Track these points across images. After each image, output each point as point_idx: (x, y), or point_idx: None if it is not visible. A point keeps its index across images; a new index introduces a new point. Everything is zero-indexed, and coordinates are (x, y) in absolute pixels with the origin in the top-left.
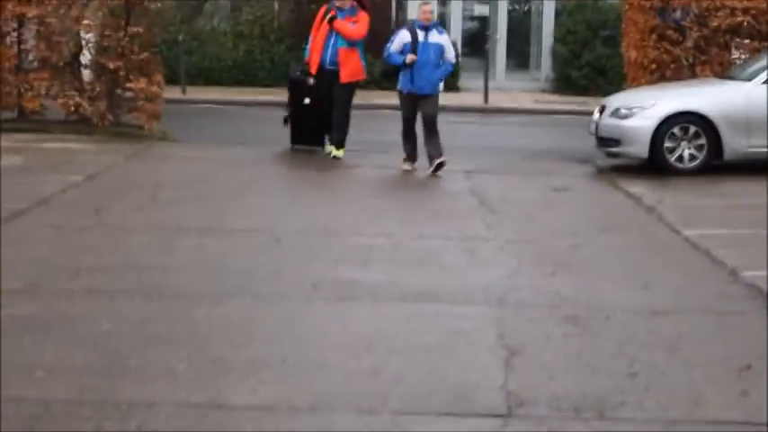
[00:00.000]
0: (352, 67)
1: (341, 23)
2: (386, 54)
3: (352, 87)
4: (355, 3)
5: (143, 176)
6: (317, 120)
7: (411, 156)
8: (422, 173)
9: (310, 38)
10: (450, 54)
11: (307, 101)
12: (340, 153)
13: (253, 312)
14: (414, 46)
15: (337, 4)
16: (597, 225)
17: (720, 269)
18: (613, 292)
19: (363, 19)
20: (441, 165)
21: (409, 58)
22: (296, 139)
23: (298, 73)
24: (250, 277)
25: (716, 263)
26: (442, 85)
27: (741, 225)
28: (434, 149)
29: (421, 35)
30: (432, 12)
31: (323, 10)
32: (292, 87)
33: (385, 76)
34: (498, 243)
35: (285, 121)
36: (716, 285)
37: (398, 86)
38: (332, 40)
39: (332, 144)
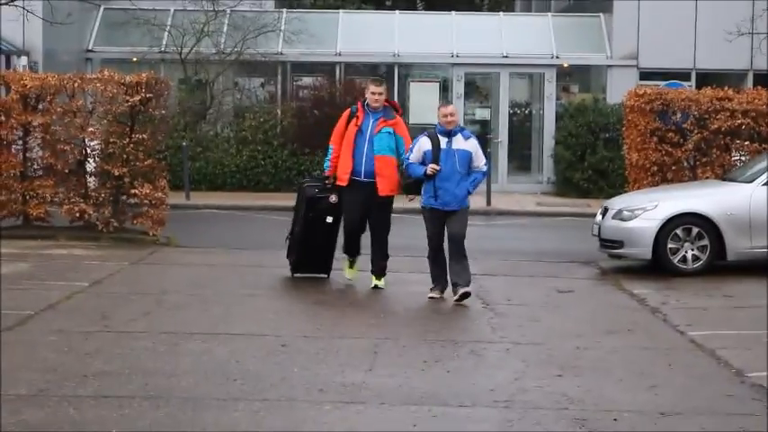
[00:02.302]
0: (392, 177)
1: (402, 127)
2: (404, 165)
3: (392, 200)
4: (388, 104)
5: (148, 282)
6: (330, 244)
7: (439, 281)
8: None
9: (331, 148)
10: (480, 161)
11: (329, 219)
12: (382, 282)
13: (260, 417)
14: (435, 154)
15: (373, 104)
16: (602, 327)
17: (726, 370)
18: (620, 393)
19: (402, 125)
20: (466, 295)
21: (430, 168)
22: (300, 266)
23: (316, 190)
24: (257, 381)
25: (721, 364)
26: (471, 198)
27: (745, 326)
28: (460, 276)
29: (443, 142)
30: (452, 114)
31: (347, 114)
32: (309, 207)
33: (408, 190)
34: (504, 345)
35: (289, 251)
36: (722, 386)
37: (421, 202)
38: (363, 148)
39: (374, 272)
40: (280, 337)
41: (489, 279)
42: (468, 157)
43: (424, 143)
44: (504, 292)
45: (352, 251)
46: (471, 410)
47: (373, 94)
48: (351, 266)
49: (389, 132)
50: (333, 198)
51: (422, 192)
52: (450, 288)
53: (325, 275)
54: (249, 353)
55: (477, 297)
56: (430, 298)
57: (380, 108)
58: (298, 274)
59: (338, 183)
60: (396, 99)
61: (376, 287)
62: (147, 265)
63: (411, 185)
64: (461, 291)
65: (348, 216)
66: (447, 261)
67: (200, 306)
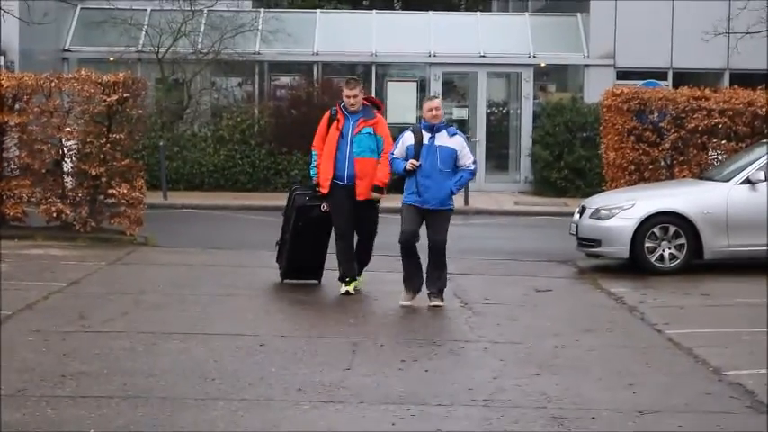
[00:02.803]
0: (373, 179)
1: (382, 126)
2: (389, 160)
3: (377, 202)
4: (368, 102)
5: (126, 282)
6: (321, 251)
7: (412, 283)
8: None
9: (314, 153)
10: (467, 159)
11: (324, 207)
12: (352, 287)
13: (238, 416)
14: (417, 150)
15: (350, 107)
16: (580, 325)
17: (704, 368)
18: (598, 392)
19: (382, 123)
20: (438, 306)
21: (410, 164)
22: (290, 273)
23: (306, 198)
24: (235, 381)
25: (699, 362)
26: (457, 198)
27: (723, 324)
28: (435, 285)
29: (426, 137)
30: (437, 108)
31: (327, 116)
32: (299, 216)
33: (396, 188)
34: (482, 344)
35: (279, 256)
36: (700, 385)
37: (402, 199)
38: (344, 151)
39: (348, 275)
40: (258, 337)
41: (467, 278)
42: (451, 154)
43: (407, 138)
44: (482, 290)
45: (350, 268)
46: (450, 409)
47: (348, 97)
48: (348, 284)
49: (369, 133)
50: (324, 207)
51: (404, 188)
52: (424, 292)
53: (317, 281)
54: (227, 352)
55: (455, 296)
56: (402, 306)
57: (359, 109)
58: (288, 281)
59: (320, 190)
60: None
61: (347, 293)
62: (125, 265)
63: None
64: (433, 303)
65: (336, 221)
66: (424, 265)
67: (179, 306)
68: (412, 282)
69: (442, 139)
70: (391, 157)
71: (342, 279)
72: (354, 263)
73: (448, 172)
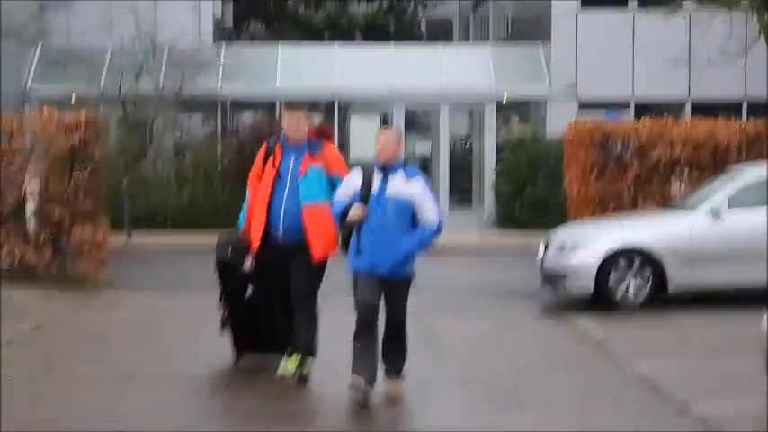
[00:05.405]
0: (326, 234)
1: (335, 161)
2: (332, 202)
3: (324, 267)
4: (316, 133)
5: (90, 324)
6: (270, 316)
7: (363, 367)
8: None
9: (247, 194)
10: (428, 212)
11: (247, 265)
12: (307, 369)
13: None
14: (364, 195)
15: (292, 135)
16: (546, 361)
17: (670, 402)
18: (564, 427)
19: (335, 157)
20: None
21: (352, 212)
22: (242, 346)
23: (229, 252)
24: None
25: (665, 396)
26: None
27: (689, 358)
28: (394, 364)
29: (377, 180)
30: (388, 141)
31: (263, 150)
32: (222, 276)
33: (345, 243)
34: (449, 382)
35: (223, 323)
36: (667, 419)
37: (347, 261)
38: (285, 195)
39: (292, 354)
40: (222, 379)
41: (432, 314)
42: (406, 205)
43: (354, 178)
44: (448, 327)
45: (286, 340)
46: None
47: (289, 123)
48: (290, 355)
49: (317, 172)
50: (248, 264)
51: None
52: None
53: (281, 354)
54: (193, 393)
55: (421, 334)
56: (350, 387)
57: (303, 140)
58: (244, 360)
59: (248, 244)
60: (336, 135)
61: (301, 378)
62: (89, 307)
63: (348, 237)
64: (392, 389)
65: (267, 286)
66: (381, 344)
67: (143, 348)
68: (365, 366)
69: (397, 184)
70: (333, 199)
71: (291, 353)
72: (314, 339)
73: (403, 228)
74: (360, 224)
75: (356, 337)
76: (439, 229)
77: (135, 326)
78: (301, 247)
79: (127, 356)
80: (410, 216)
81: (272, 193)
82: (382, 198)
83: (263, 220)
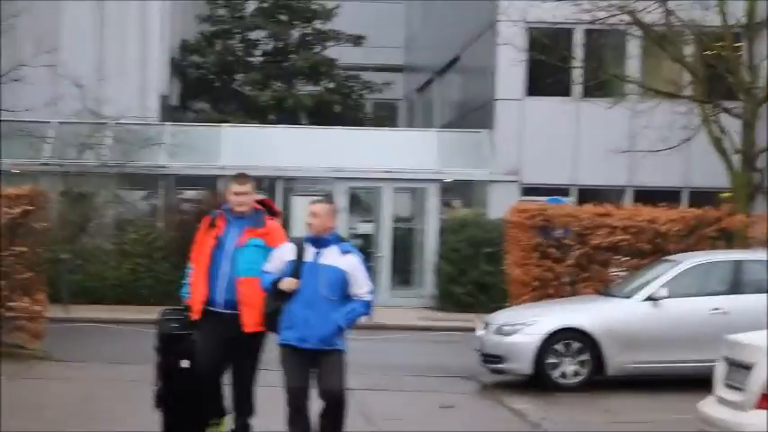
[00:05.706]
0: (260, 306)
1: (277, 237)
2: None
3: (262, 339)
4: (261, 207)
5: (26, 398)
6: (200, 395)
7: None
8: None
9: (190, 267)
10: (361, 287)
11: (185, 364)
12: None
13: None
14: (296, 268)
15: (237, 208)
16: None
17: None
18: None
19: (277, 233)
20: None
21: (283, 283)
22: (171, 427)
23: (174, 324)
24: None
25: None
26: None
27: None
28: None
29: (310, 253)
30: (318, 214)
31: (206, 222)
32: (164, 347)
33: (271, 323)
34: None
35: (158, 402)
36: None
37: (278, 339)
38: (223, 267)
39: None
40: None
41: (371, 394)
42: (340, 278)
43: (286, 251)
44: (387, 407)
45: (213, 410)
46: None
47: (237, 195)
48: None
49: (258, 245)
50: (192, 336)
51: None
52: None
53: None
54: None
55: (359, 413)
56: None
57: (248, 213)
58: None
59: (190, 314)
60: None
61: None
62: (25, 380)
63: (274, 315)
64: None
65: (201, 357)
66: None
67: (80, 422)
68: None
69: (331, 256)
70: (261, 272)
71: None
72: (221, 407)
73: (335, 301)
74: (290, 296)
75: (290, 422)
76: (370, 305)
77: (72, 398)
78: (238, 318)
79: (64, 430)
80: (342, 288)
81: (212, 264)
82: (316, 267)
83: (205, 290)
